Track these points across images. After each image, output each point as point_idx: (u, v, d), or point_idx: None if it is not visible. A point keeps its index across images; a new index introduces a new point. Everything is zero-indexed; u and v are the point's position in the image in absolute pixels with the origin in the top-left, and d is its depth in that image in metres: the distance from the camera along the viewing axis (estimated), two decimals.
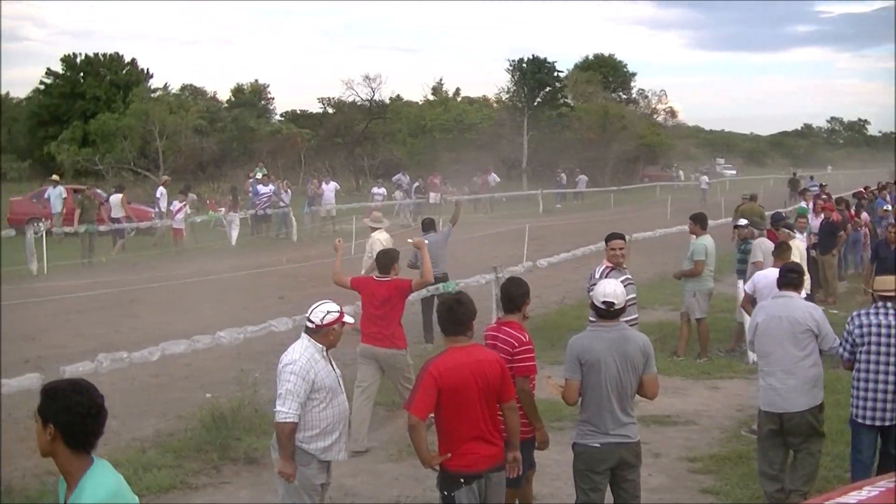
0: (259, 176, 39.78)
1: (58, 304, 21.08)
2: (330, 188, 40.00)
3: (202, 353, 12.84)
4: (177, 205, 32.44)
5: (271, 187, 36.11)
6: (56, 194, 32.67)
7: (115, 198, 32.36)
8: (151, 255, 30.07)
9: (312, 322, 7.77)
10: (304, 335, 7.84)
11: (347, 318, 7.96)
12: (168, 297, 21.27)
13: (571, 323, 16.58)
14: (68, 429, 4.47)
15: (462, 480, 7.20)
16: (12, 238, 29.36)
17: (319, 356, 7.71)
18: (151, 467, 10.60)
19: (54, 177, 34.92)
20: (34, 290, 22.98)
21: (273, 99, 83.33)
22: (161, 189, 35.32)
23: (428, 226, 18.92)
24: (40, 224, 28.30)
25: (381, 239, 17.69)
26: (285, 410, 7.48)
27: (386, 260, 11.98)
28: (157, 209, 34.00)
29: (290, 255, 29.42)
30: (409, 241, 13.78)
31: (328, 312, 7.78)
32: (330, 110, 77.10)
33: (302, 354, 7.65)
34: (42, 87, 74.70)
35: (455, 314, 7.24)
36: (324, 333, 7.75)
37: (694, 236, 16.33)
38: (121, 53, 74.81)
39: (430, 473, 10.57)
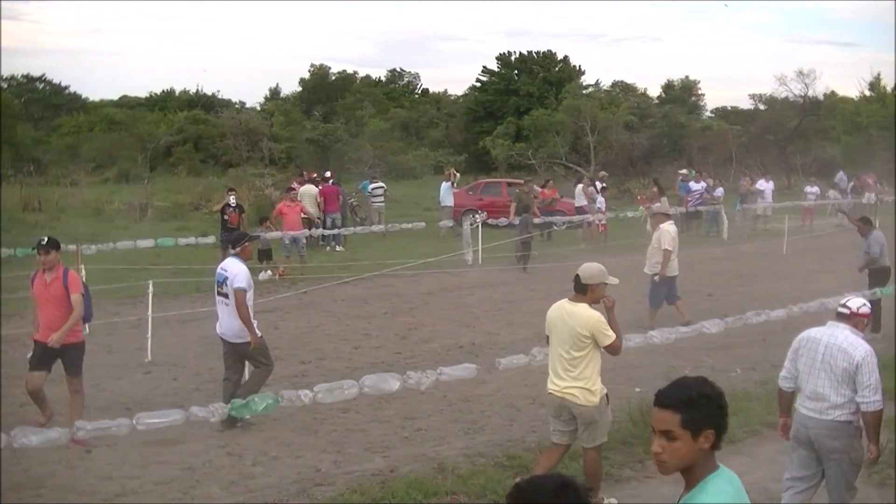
0: (683, 172, 39.27)
1: (490, 292, 21.73)
2: (769, 186, 38.94)
3: (631, 347, 12.83)
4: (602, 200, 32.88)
5: (703, 184, 35.63)
6: (445, 188, 33.72)
7: (578, 188, 33.84)
8: (581, 249, 30.32)
9: (848, 308, 8.17)
10: (837, 323, 8.20)
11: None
12: None
13: None
14: (723, 429, 4.26)
15: None
16: (449, 228, 30.70)
17: None
18: (577, 457, 10.67)
19: (449, 170, 35.78)
20: (467, 280, 23.79)
21: (703, 95, 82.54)
22: (598, 183, 35.65)
23: (867, 224, 18.32)
24: (476, 216, 29.21)
25: (671, 232, 18.25)
26: (880, 399, 7.83)
27: None
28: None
29: (720, 253, 28.96)
30: None
31: (864, 304, 8.25)
32: (761, 107, 75.45)
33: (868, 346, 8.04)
34: (478, 84, 77.58)
35: None
36: (855, 321, 8.11)
37: None
38: (553, 51, 76.56)
39: None
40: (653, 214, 20.56)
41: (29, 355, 11.68)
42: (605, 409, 9.31)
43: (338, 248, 29.78)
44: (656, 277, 18.01)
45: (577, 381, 9.08)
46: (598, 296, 9.13)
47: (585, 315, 9.04)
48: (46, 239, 11.62)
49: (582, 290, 9.12)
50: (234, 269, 12.00)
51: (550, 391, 9.34)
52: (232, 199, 25.31)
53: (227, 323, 12.11)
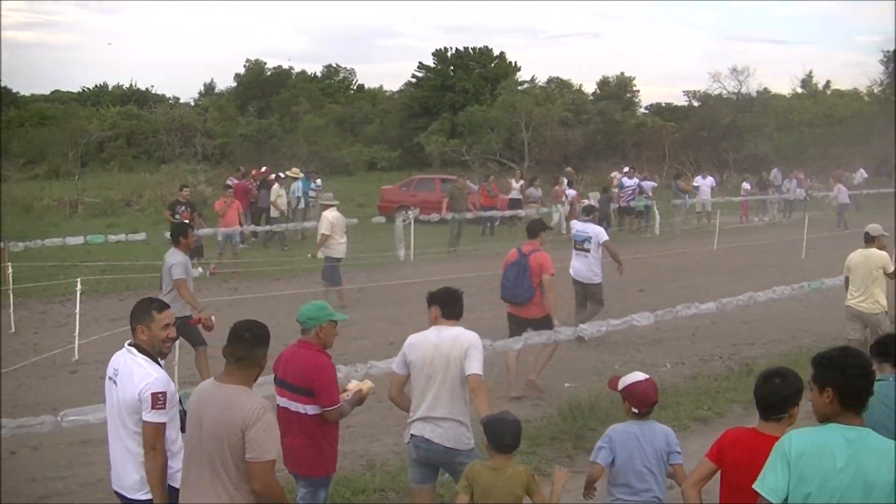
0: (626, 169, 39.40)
1: (422, 289, 21.66)
2: (706, 182, 39.21)
3: (560, 341, 12.86)
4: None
5: (636, 181, 35.82)
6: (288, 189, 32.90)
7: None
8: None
9: None
10: None
11: None
12: None
13: None
14: (843, 389, 4.99)
15: None
16: (382, 225, 30.52)
17: None
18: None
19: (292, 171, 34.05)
20: (401, 275, 23.73)
21: (638, 92, 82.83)
22: (564, 178, 36.03)
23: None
24: (409, 212, 28.97)
25: (329, 217, 20.14)
26: None
27: None
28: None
29: (652, 249, 29.12)
30: None
31: None
32: (696, 104, 75.91)
33: None
34: (414, 80, 77.46)
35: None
36: None
37: None
38: (490, 47, 76.53)
39: None
40: (322, 204, 22.49)
41: None
42: (885, 319, 13.76)
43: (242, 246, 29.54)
44: (309, 255, 21.15)
45: (869, 299, 13.69)
46: (882, 244, 13.92)
47: (878, 255, 13.80)
48: None
49: (871, 241, 13.90)
50: (596, 230, 16.88)
51: (849, 305, 13.93)
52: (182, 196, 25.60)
53: (582, 268, 16.77)
